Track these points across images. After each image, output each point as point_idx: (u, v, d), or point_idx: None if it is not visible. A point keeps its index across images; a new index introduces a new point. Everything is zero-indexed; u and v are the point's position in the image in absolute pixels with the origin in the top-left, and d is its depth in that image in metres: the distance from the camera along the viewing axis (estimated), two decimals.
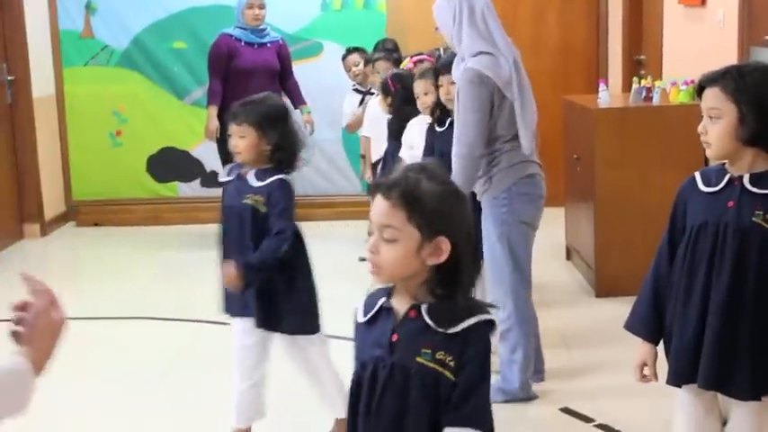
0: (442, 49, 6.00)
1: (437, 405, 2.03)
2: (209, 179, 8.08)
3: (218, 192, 7.50)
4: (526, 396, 4.36)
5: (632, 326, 2.94)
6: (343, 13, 8.00)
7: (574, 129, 6.29)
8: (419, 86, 5.09)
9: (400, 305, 2.09)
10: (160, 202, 8.26)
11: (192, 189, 8.26)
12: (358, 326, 2.16)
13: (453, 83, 4.34)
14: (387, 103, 5.67)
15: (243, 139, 3.66)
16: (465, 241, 2.05)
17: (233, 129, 3.69)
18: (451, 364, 2.01)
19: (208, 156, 7.89)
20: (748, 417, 2.76)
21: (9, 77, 7.67)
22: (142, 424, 4.29)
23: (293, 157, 3.72)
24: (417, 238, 2.01)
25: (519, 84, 4.12)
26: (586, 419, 4.13)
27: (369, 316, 2.13)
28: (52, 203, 8.12)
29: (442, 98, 4.70)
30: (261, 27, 7.23)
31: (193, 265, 6.98)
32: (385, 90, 5.71)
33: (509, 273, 4.21)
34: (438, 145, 4.68)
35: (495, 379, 4.38)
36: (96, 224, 8.20)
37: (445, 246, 2.01)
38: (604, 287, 5.71)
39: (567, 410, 4.23)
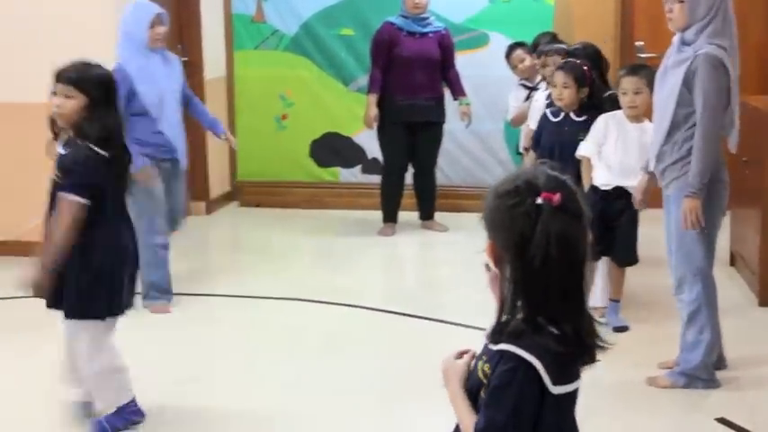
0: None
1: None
2: (371, 166, 8.16)
3: (377, 179, 7.60)
4: (709, 377, 4.40)
5: None
6: (510, 4, 7.92)
7: (744, 130, 6.04)
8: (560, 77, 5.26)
9: None
10: (321, 186, 8.39)
11: (354, 175, 8.35)
12: None
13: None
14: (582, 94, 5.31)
15: None
16: (509, 252, 1.92)
17: None
18: (488, 380, 1.96)
19: (370, 143, 7.96)
20: None
21: (183, 59, 7.90)
22: (300, 404, 4.37)
23: None
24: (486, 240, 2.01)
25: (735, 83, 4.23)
26: None
27: None
28: (218, 183, 8.35)
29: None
30: (423, 16, 7.24)
31: (352, 251, 7.06)
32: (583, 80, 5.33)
33: (701, 257, 4.31)
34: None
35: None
36: (258, 205, 8.39)
37: (488, 247, 1.98)
38: None
39: (723, 421, 4.09)
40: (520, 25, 7.65)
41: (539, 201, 1.89)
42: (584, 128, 5.17)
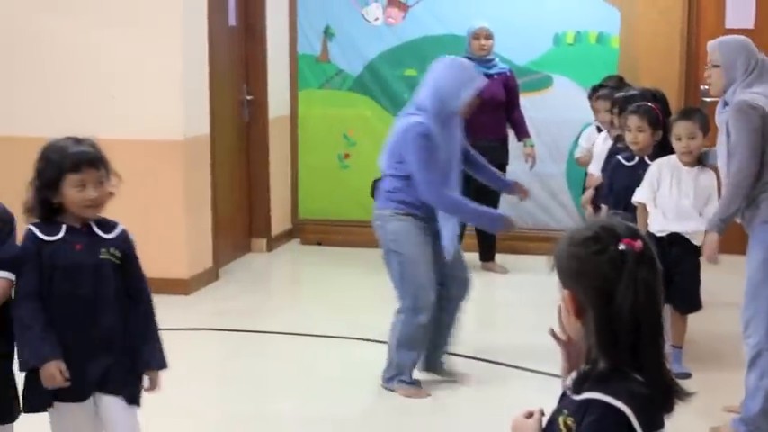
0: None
1: None
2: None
3: None
4: None
5: None
6: (575, 47, 7.91)
7: None
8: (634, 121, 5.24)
9: None
10: None
11: None
12: None
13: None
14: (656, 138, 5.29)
15: None
16: (593, 299, 1.89)
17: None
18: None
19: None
20: None
21: (248, 97, 8.02)
22: None
23: None
24: (563, 290, 1.97)
25: None
26: None
27: None
28: (279, 220, 8.40)
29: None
30: (488, 58, 7.27)
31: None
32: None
33: (765, 298, 4.24)
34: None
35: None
36: (319, 243, 8.42)
37: (567, 298, 1.94)
38: None
39: None
40: (584, 68, 7.65)
41: (621, 247, 1.88)
42: None
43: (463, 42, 7.35)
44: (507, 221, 4.95)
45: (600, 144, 6.28)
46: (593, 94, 6.85)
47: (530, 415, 2.06)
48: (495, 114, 7.25)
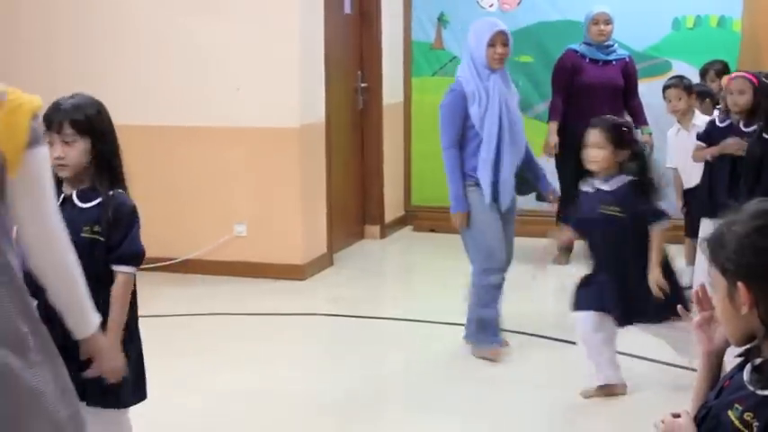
0: None
1: None
2: None
3: (550, 206, 7.54)
4: None
5: None
6: (695, 31, 7.74)
7: None
8: None
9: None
10: None
11: (527, 202, 8.27)
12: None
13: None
14: None
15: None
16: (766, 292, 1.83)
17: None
18: (755, 430, 1.83)
19: (546, 170, 7.88)
20: None
21: (362, 84, 8.06)
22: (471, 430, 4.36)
23: None
24: (724, 285, 1.89)
25: None
26: None
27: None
28: (392, 207, 8.44)
29: None
30: (607, 43, 7.15)
31: (525, 278, 6.99)
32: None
33: None
34: None
35: None
36: (432, 230, 8.43)
37: (740, 294, 1.85)
38: None
39: None
40: (704, 53, 7.46)
41: None
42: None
43: (578, 28, 7.26)
44: (460, 216, 5.26)
45: (672, 137, 6.32)
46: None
47: (677, 416, 2.02)
48: (613, 101, 7.13)
